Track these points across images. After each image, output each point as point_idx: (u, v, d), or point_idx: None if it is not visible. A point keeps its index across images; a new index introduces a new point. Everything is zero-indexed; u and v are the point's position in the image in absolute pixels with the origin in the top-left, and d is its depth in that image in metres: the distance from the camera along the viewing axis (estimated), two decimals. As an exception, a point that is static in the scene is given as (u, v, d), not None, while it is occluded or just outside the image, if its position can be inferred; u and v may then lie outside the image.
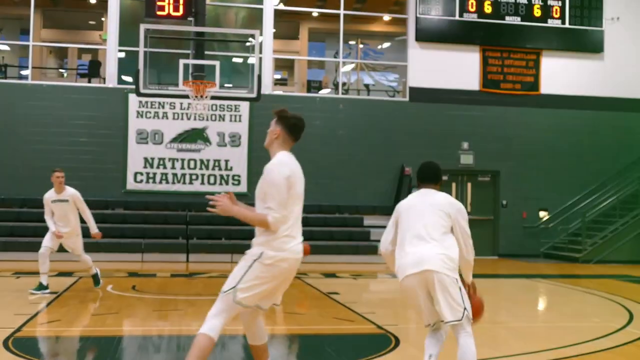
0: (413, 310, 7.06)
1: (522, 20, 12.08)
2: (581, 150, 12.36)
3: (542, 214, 12.31)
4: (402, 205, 3.31)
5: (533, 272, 10.18)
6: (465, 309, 2.94)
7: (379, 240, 11.41)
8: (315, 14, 13.65)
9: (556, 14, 12.13)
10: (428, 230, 3.05)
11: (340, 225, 11.41)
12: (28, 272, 8.66)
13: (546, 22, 12.14)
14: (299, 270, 9.79)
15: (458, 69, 12.03)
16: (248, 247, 11.42)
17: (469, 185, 12.53)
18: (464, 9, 11.92)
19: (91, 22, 14.01)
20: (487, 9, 11.95)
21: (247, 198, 11.58)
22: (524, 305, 7.26)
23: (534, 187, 12.00)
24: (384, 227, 12.34)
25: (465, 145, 12.19)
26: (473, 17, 11.98)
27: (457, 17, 11.96)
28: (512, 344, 4.91)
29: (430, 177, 3.28)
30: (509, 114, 12.24)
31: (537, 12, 12.08)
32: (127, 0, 11.69)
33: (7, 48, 13.65)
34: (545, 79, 12.32)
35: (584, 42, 12.45)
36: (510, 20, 12.05)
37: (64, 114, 11.25)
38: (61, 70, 13.88)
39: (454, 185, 12.43)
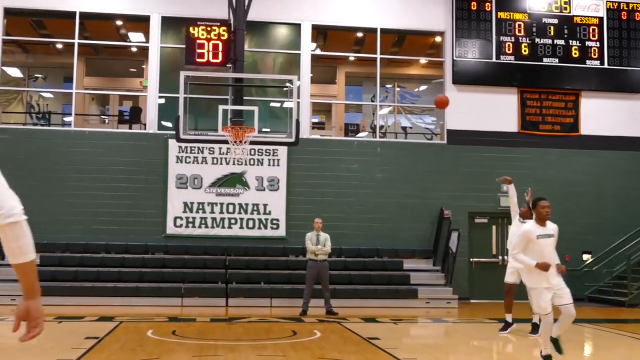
0: (455, 354, 6.92)
1: (560, 62, 12.04)
2: (624, 191, 12.12)
3: (585, 256, 12.03)
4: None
5: (577, 316, 9.87)
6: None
7: (419, 284, 11.22)
8: (351, 58, 13.82)
9: (594, 54, 12.08)
10: None
11: (380, 269, 11.30)
12: (70, 316, 8.72)
13: (584, 63, 12.08)
14: (341, 314, 9.47)
15: (496, 111, 12.00)
16: (287, 291, 11.09)
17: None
18: (500, 52, 11.95)
19: (132, 70, 14.33)
20: (525, 51, 11.97)
21: (286, 242, 11.66)
22: (569, 350, 7.05)
23: (576, 230, 11.75)
24: (424, 270, 12.05)
25: (505, 187, 12.07)
26: (510, 60, 11.98)
27: (494, 60, 11.98)
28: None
29: None
30: (548, 156, 12.11)
31: (575, 53, 12.04)
32: (167, 48, 11.96)
33: (51, 96, 14.01)
34: (585, 120, 12.21)
35: (624, 82, 12.33)
36: (548, 61, 12.02)
37: (106, 160, 11.45)
38: (103, 116, 14.16)
39: (494, 228, 12.27)
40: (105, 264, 10.88)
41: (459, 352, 6.93)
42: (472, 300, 11.73)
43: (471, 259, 12.05)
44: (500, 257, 12.25)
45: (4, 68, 11.95)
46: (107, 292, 10.31)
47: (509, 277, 7.67)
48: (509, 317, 7.73)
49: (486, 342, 7.77)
